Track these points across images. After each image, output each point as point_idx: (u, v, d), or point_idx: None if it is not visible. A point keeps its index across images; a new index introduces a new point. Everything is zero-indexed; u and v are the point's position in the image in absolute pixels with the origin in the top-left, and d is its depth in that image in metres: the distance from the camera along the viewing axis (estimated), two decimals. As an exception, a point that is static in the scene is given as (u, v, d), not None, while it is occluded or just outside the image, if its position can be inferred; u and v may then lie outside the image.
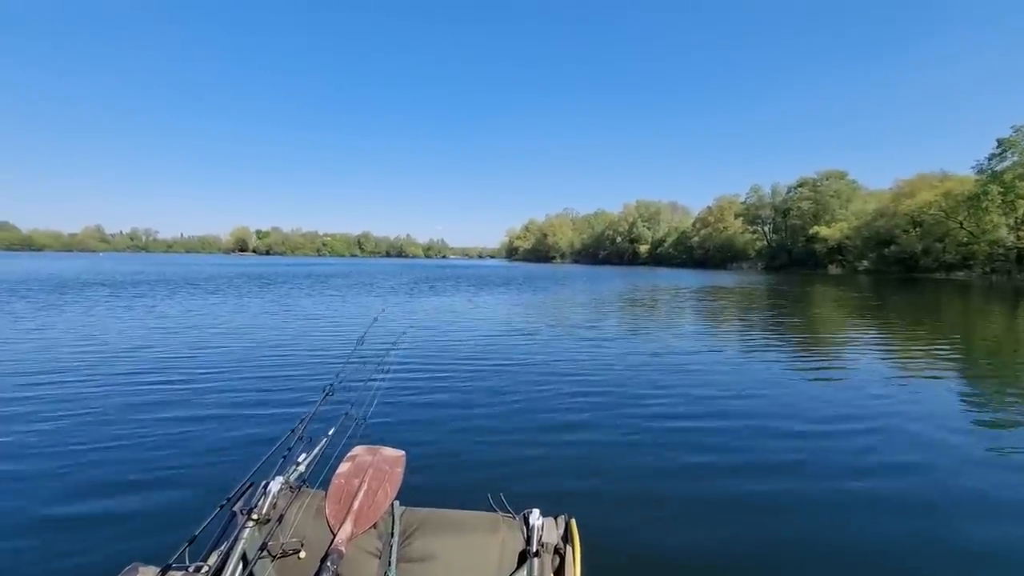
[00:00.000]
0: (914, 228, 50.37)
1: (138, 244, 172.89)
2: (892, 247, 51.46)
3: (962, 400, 5.93)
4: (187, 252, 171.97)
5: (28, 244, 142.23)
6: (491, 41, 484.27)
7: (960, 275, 44.57)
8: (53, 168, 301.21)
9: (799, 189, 68.90)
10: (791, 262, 67.22)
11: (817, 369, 7.56)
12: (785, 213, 70.21)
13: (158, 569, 1.16)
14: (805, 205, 66.60)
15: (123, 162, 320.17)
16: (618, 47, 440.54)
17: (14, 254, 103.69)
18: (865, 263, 55.67)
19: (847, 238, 59.06)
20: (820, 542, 2.82)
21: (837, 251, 60.83)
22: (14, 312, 12.02)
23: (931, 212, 48.32)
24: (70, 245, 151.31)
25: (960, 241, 45.96)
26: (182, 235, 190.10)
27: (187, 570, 1.20)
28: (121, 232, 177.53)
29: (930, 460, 3.98)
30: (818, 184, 67.02)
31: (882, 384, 6.46)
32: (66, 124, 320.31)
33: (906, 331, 11.97)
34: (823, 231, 61.59)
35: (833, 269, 59.70)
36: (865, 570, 2.60)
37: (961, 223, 46.04)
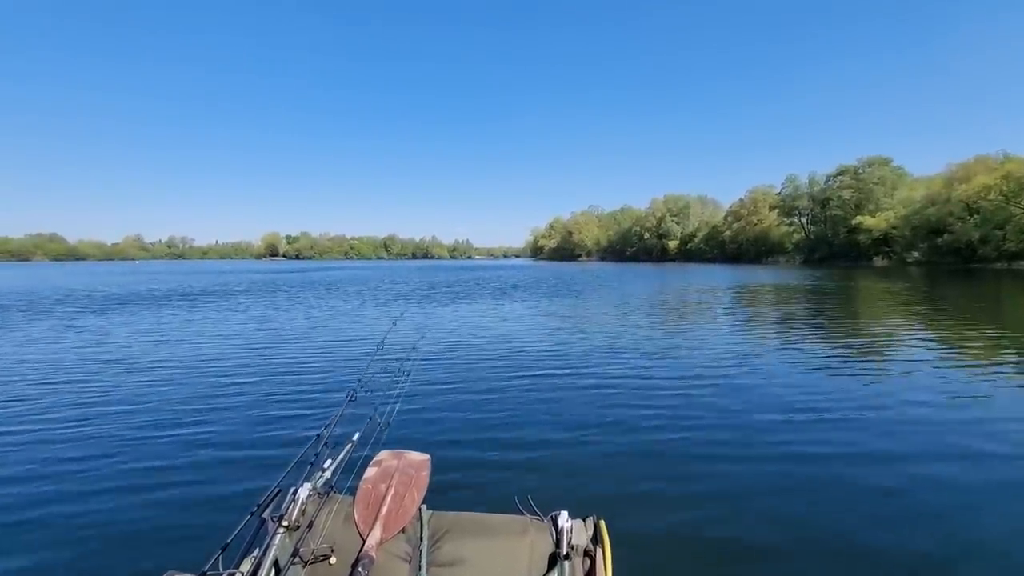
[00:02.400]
0: (970, 215, 46.58)
1: (175, 252, 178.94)
2: (945, 236, 47.77)
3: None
4: (221, 258, 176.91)
5: (73, 254, 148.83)
6: (513, 41, 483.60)
7: (1023, 264, 40.95)
8: (96, 179, 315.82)
9: (839, 177, 65.13)
10: (832, 255, 63.55)
11: (862, 372, 6.89)
12: (824, 203, 66.49)
13: None
14: (847, 194, 62.86)
15: (161, 173, 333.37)
16: (643, 41, 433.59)
17: (59, 263, 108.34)
18: (915, 254, 51.98)
19: (894, 228, 55.28)
20: (857, 548, 2.71)
21: (883, 242, 57.07)
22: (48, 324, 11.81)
23: (990, 197, 44.57)
24: (112, 254, 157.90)
25: (1023, 227, 42.21)
26: (217, 242, 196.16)
27: None
28: (160, 240, 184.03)
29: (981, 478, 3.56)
30: (860, 171, 63.19)
31: (947, 394, 5.71)
32: (108, 137, 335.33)
33: (972, 329, 10.45)
34: (867, 221, 57.88)
35: (879, 261, 56.03)
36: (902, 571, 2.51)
37: (1025, 208, 42.31)
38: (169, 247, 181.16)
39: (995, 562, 2.61)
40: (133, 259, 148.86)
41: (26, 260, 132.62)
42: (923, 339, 9.32)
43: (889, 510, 3.12)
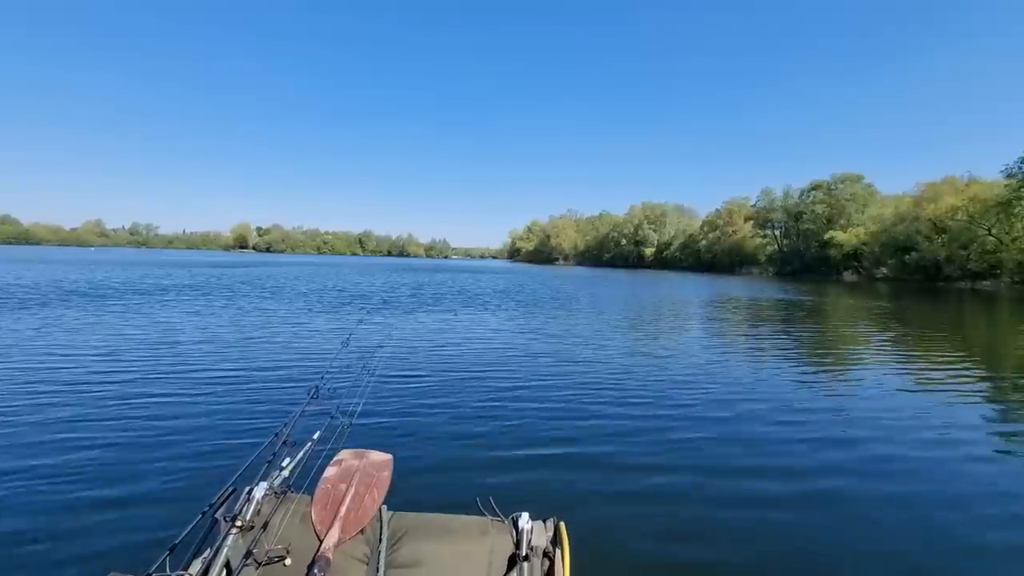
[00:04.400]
0: (937, 234, 47.45)
1: (138, 239, 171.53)
2: (913, 254, 48.52)
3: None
4: (188, 248, 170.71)
5: (27, 238, 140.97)
6: (495, 42, 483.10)
7: (986, 284, 41.85)
8: (56, 164, 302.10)
9: (813, 192, 65.98)
10: (803, 268, 64.25)
11: (825, 382, 7.19)
12: (798, 217, 67.28)
13: None
14: (819, 209, 63.68)
15: (126, 159, 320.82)
16: (625, 48, 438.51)
17: (10, 247, 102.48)
18: (883, 270, 52.74)
19: (864, 244, 56.11)
20: (811, 549, 2.83)
21: (853, 257, 57.90)
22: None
23: (956, 217, 45.44)
24: (68, 239, 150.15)
25: (987, 248, 43.05)
26: (184, 231, 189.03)
27: None
28: (123, 227, 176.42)
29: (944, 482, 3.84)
30: (833, 187, 64.10)
31: (902, 399, 6.26)
32: (71, 120, 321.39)
33: (935, 344, 10.99)
34: (838, 236, 58.63)
35: (848, 276, 56.78)
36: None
37: (989, 230, 43.17)
38: (132, 234, 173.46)
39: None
40: (90, 245, 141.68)
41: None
42: (899, 360, 9.30)
43: (839, 514, 3.26)
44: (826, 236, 60.62)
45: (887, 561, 2.80)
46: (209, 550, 1.27)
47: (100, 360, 7.04)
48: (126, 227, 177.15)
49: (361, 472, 1.63)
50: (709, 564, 2.70)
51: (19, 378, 6.00)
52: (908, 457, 4.32)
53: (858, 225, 58.96)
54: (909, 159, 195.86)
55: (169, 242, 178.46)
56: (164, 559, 1.21)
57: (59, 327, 9.72)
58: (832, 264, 59.92)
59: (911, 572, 2.74)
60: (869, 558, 2.81)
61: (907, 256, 49.20)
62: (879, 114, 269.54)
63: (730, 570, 2.66)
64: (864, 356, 9.54)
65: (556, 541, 1.51)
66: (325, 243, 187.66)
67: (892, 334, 12.54)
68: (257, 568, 1.27)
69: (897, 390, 6.74)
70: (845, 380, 7.41)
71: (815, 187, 66.16)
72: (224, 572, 1.21)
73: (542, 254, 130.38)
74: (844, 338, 11.96)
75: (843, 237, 58.27)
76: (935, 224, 47.57)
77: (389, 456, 1.77)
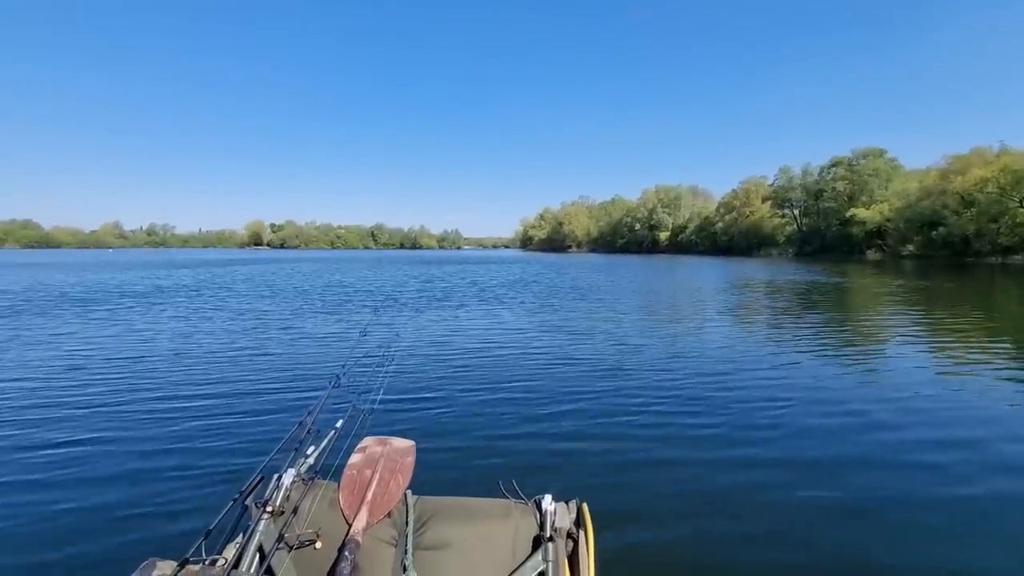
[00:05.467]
0: (965, 208, 45.55)
1: (155, 240, 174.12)
2: (940, 229, 46.75)
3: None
4: (204, 247, 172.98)
5: (47, 241, 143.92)
6: (504, 31, 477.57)
7: (1018, 258, 40.20)
8: (74, 165, 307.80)
9: (833, 169, 63.99)
10: (824, 247, 62.51)
11: (854, 367, 6.78)
12: (818, 195, 65.32)
13: (175, 563, 1.17)
14: (840, 186, 61.71)
15: (142, 158, 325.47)
16: (635, 32, 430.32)
17: (32, 251, 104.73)
18: (909, 247, 50.92)
19: (888, 221, 54.31)
20: (841, 544, 2.71)
21: (876, 235, 56.07)
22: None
23: (986, 190, 43.51)
24: (87, 242, 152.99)
25: (1018, 221, 41.25)
26: (200, 230, 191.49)
27: (204, 564, 1.20)
28: (140, 228, 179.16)
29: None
30: (854, 163, 61.97)
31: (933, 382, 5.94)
32: (88, 122, 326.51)
33: (970, 323, 10.39)
34: (861, 213, 56.78)
35: (872, 254, 55.10)
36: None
37: (1021, 201, 41.30)
38: (149, 235, 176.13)
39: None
40: (109, 247, 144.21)
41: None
42: (934, 340, 8.81)
43: (878, 504, 3.09)
44: (848, 214, 58.82)
45: (941, 548, 2.67)
46: (242, 535, 1.31)
47: (134, 359, 7.21)
48: (143, 228, 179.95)
49: (385, 458, 1.65)
50: (734, 547, 2.65)
51: (65, 373, 6.36)
52: (953, 442, 4.10)
53: (881, 201, 57.01)
54: (933, 133, 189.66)
55: (185, 241, 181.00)
56: (199, 544, 1.22)
57: (105, 325, 10.03)
58: (854, 242, 58.16)
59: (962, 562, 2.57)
60: (919, 548, 2.67)
61: (934, 232, 47.47)
62: (900, 87, 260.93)
63: (757, 553, 2.59)
64: (897, 337, 8.96)
65: (580, 522, 1.51)
66: (338, 237, 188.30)
67: (923, 313, 11.93)
68: (289, 552, 1.31)
69: (937, 375, 6.32)
70: (879, 364, 6.98)
71: (836, 163, 64.07)
72: (257, 556, 1.26)
73: (555, 242, 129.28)
74: (876, 319, 11.22)
75: (866, 214, 56.43)
76: (963, 198, 45.72)
77: (412, 442, 1.79)
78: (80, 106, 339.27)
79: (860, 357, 7.33)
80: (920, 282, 21.74)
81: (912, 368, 6.53)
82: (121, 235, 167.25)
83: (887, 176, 59.49)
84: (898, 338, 8.81)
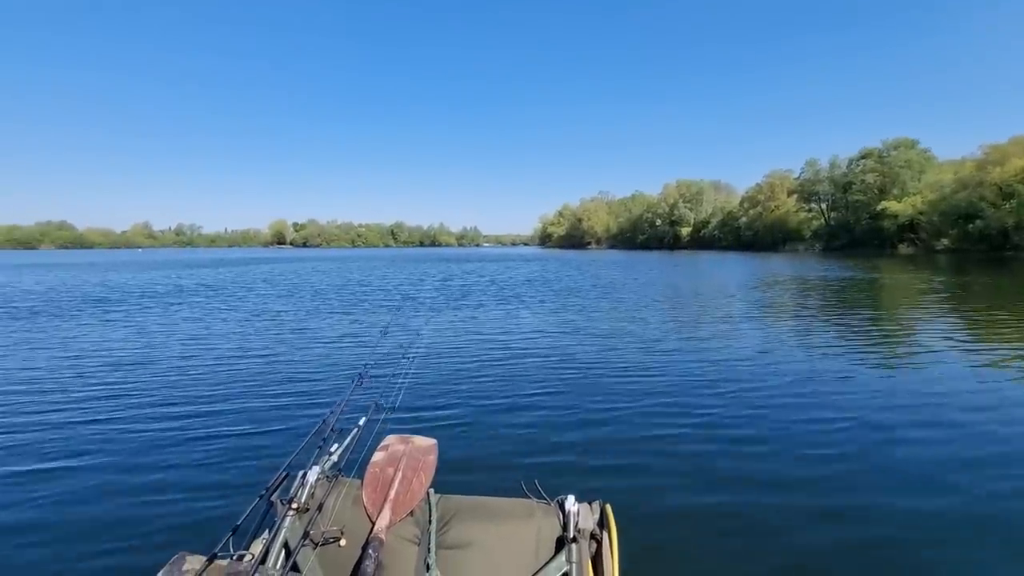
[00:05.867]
0: (1004, 200, 43.57)
1: (183, 240, 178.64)
2: (976, 222, 44.79)
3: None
4: (229, 246, 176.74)
5: (80, 242, 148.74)
6: (522, 25, 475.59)
7: (1063, 253, 38.22)
8: (107, 168, 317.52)
9: (863, 161, 61.85)
10: (853, 242, 60.56)
11: (893, 366, 6.66)
12: (846, 188, 63.27)
13: (204, 558, 1.19)
14: (870, 178, 59.58)
15: (171, 159, 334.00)
16: (655, 26, 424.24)
17: (66, 251, 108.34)
18: (944, 241, 48.96)
19: (921, 214, 52.26)
20: (871, 548, 2.62)
21: (909, 228, 54.07)
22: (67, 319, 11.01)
23: (1029, 181, 41.54)
24: (119, 242, 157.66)
25: (1062, 213, 39.29)
26: (226, 230, 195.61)
27: (231, 559, 1.23)
28: (169, 228, 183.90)
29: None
30: (884, 155, 59.85)
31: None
32: (119, 127, 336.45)
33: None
34: (893, 206, 54.78)
35: (904, 249, 53.11)
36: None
37: (1065, 192, 39.32)
38: (177, 235, 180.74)
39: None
40: (138, 247, 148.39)
41: (33, 248, 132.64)
42: (978, 341, 8.21)
43: (902, 495, 3.06)
44: (879, 207, 56.83)
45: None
46: (268, 531, 1.33)
47: (152, 355, 7.36)
48: (172, 228, 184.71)
49: (408, 456, 1.66)
50: (763, 555, 2.56)
51: (97, 370, 6.49)
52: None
53: (914, 194, 54.94)
54: (966, 123, 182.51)
55: (212, 241, 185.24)
56: (227, 540, 1.24)
57: (116, 327, 10.04)
58: (885, 236, 56.19)
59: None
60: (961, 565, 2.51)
61: (970, 225, 45.51)
62: (931, 77, 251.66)
63: (788, 562, 2.51)
64: (940, 337, 8.41)
65: (603, 524, 1.49)
66: (359, 236, 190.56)
67: (967, 312, 11.21)
68: (314, 548, 1.33)
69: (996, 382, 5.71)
70: (924, 368, 6.52)
71: (865, 155, 61.98)
72: (283, 552, 1.28)
73: (574, 238, 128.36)
74: (922, 320, 10.59)
75: (898, 207, 54.44)
76: (1001, 189, 43.76)
77: (434, 441, 1.80)
78: (113, 110, 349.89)
79: (913, 364, 6.68)
80: (959, 278, 20.78)
81: (983, 383, 5.69)
82: (151, 235, 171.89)
83: (920, 168, 57.29)
84: (956, 343, 8.16)
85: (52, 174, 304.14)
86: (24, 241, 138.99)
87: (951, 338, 8.36)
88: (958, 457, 3.69)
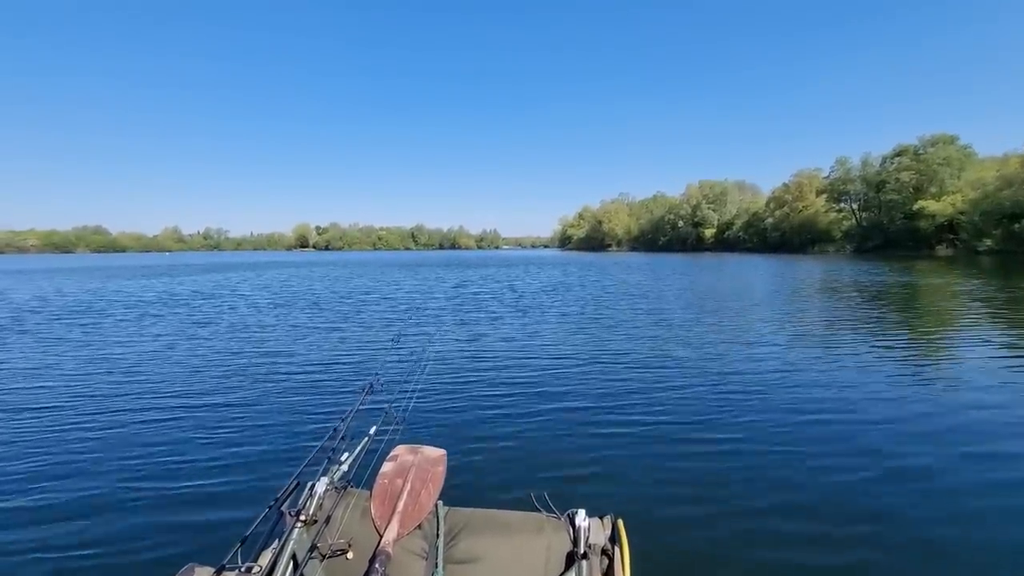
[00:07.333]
0: (1054, 198, 41.10)
1: (211, 243, 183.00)
2: (1023, 222, 42.37)
3: None
4: (255, 249, 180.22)
5: (113, 246, 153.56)
6: (541, 26, 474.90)
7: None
8: (138, 171, 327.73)
9: (897, 159, 59.22)
10: (886, 243, 58.05)
11: (905, 374, 6.42)
12: (879, 187, 60.76)
13: (213, 570, 1.20)
14: (905, 176, 56.99)
15: (199, 164, 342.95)
16: (676, 24, 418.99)
17: (101, 255, 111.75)
18: (987, 242, 46.49)
19: (961, 213, 49.76)
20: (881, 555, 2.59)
21: (947, 228, 51.57)
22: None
23: (1080, 177, 39.10)
24: (149, 246, 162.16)
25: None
26: (252, 233, 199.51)
27: (239, 570, 1.22)
28: (197, 232, 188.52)
29: None
30: (921, 152, 57.22)
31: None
32: (149, 129, 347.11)
33: None
34: (930, 206, 52.36)
35: (942, 250, 50.69)
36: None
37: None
38: (205, 239, 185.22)
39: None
40: (168, 250, 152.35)
41: (69, 252, 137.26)
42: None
43: (924, 519, 2.95)
44: (915, 206, 54.37)
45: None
46: (276, 543, 1.31)
47: (158, 364, 7.33)
48: (200, 232, 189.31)
49: (416, 467, 1.64)
50: (778, 571, 2.52)
51: (105, 378, 6.50)
52: None
53: (954, 192, 52.37)
54: (1009, 117, 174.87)
55: (238, 244, 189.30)
56: (236, 551, 1.24)
57: (121, 335, 9.96)
58: (921, 237, 53.76)
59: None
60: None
61: (1016, 225, 43.07)
62: (971, 69, 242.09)
63: (802, 572, 2.50)
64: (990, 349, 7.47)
65: (615, 539, 1.45)
66: (380, 239, 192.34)
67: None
68: (321, 561, 1.32)
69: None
70: (969, 383, 5.94)
71: (900, 152, 59.39)
72: (290, 565, 1.25)
73: (594, 241, 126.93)
74: (974, 329, 9.51)
75: (936, 207, 52.00)
76: (1052, 186, 41.28)
77: (443, 451, 1.78)
78: (144, 119, 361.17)
79: (959, 381, 6.03)
80: (1010, 281, 19.26)
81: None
82: (180, 239, 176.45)
83: (960, 165, 54.51)
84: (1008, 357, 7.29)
85: (87, 181, 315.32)
86: (61, 245, 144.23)
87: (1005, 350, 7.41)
88: (1005, 485, 3.37)
